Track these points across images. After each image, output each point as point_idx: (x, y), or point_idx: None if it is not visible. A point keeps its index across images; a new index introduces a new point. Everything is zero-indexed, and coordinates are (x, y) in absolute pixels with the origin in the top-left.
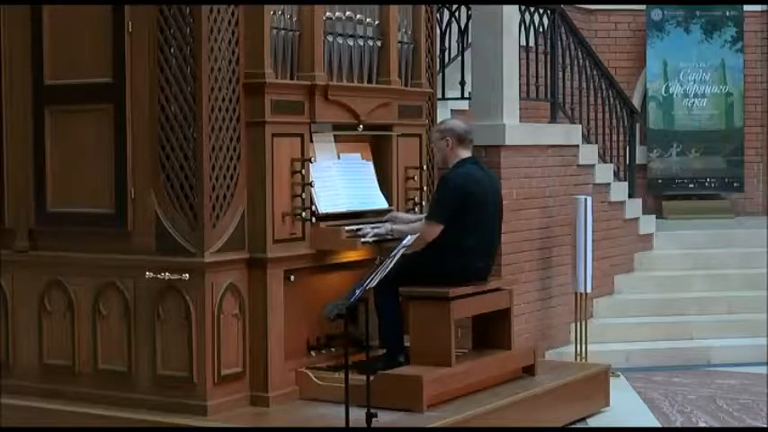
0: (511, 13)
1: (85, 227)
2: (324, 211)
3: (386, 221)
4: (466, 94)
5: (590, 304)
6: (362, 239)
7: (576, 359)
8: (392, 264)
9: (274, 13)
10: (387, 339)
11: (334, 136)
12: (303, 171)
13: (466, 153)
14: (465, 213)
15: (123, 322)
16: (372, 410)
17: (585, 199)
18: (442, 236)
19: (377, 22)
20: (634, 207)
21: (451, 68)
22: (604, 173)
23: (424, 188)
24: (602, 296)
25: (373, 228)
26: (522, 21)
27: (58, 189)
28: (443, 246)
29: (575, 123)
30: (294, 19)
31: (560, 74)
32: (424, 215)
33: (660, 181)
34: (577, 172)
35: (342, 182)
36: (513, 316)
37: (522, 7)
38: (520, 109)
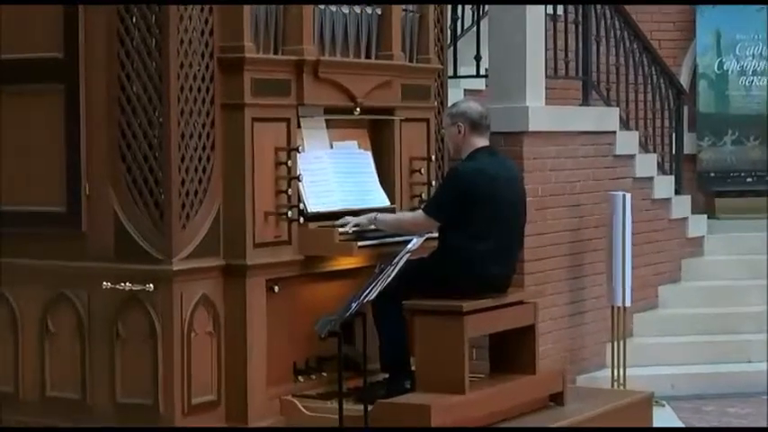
0: None
1: (31, 228)
2: (314, 210)
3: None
4: (482, 72)
5: (629, 320)
6: (341, 230)
7: (612, 385)
8: (394, 272)
9: None
10: (389, 362)
11: (327, 121)
12: (289, 162)
13: (481, 141)
14: (474, 213)
15: (76, 341)
16: None
17: (624, 196)
18: (450, 239)
19: None
20: (681, 205)
21: (465, 41)
22: (646, 165)
23: (433, 183)
24: (644, 311)
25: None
26: None
27: None
28: (453, 251)
29: (611, 106)
30: None
31: (594, 47)
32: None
33: (712, 174)
34: (614, 164)
35: (335, 175)
36: (538, 334)
37: None
38: (546, 89)
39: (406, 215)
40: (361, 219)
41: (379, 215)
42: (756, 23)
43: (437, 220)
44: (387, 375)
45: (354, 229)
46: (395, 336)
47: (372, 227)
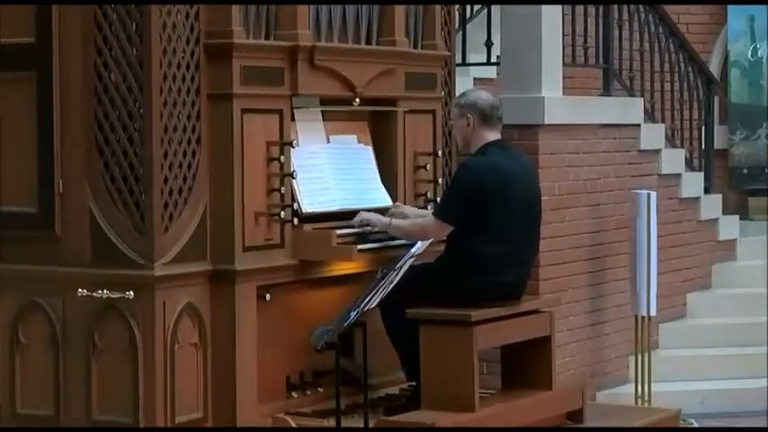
0: None
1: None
2: (309, 211)
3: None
4: (493, 59)
5: (654, 331)
6: (338, 232)
7: (636, 402)
8: (397, 278)
9: None
10: (412, 371)
11: (323, 113)
12: (282, 158)
13: (492, 135)
14: (484, 213)
15: (49, 353)
16: None
17: (648, 194)
18: (459, 242)
19: None
20: (712, 205)
21: (474, 25)
22: (673, 161)
23: (440, 180)
24: (671, 320)
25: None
26: None
27: None
28: (462, 254)
29: (634, 96)
30: None
31: (616, 33)
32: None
33: (745, 171)
34: (638, 159)
35: (332, 172)
36: (555, 346)
37: None
38: (563, 78)
39: (416, 222)
40: (374, 218)
41: (394, 221)
42: None
43: (448, 223)
44: (413, 385)
45: (360, 224)
46: (411, 346)
47: (377, 229)
